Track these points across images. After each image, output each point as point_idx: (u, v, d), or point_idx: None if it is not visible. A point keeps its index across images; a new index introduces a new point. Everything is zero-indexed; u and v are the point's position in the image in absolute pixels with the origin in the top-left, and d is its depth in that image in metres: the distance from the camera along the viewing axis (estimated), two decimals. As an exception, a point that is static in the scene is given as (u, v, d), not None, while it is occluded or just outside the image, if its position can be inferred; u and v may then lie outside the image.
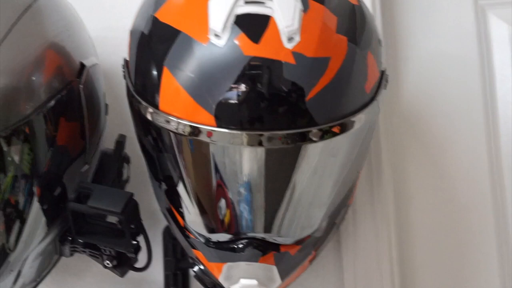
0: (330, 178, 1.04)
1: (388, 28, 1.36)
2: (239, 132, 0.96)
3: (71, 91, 1.11)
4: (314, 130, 0.97)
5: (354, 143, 1.03)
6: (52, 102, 1.08)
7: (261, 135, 0.96)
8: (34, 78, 1.07)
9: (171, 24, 1.00)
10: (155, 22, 1.02)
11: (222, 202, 1.03)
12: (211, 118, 0.96)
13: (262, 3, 0.98)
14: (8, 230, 1.07)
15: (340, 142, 1.01)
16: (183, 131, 0.98)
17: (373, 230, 1.27)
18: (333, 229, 1.12)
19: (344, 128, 0.99)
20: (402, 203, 1.33)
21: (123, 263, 1.15)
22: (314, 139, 0.97)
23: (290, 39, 0.97)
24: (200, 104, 0.96)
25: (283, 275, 1.06)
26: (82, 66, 1.14)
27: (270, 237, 1.04)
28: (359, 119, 1.01)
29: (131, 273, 1.16)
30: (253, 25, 0.97)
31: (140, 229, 1.12)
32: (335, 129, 0.98)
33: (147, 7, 1.05)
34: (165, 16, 1.02)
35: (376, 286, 1.26)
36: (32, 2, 1.12)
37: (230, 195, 1.02)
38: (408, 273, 1.32)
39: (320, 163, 1.01)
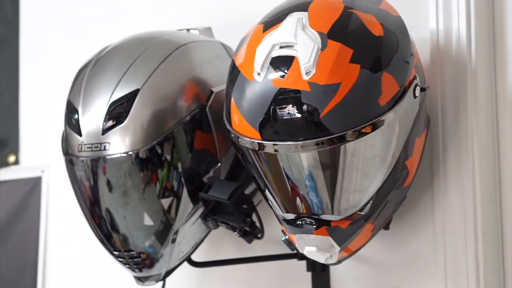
0: (362, 169, 1.38)
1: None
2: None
3: (202, 111, 1.57)
4: (350, 132, 1.32)
5: (376, 142, 1.36)
6: (188, 118, 1.54)
7: (302, 143, 1.33)
8: (177, 102, 1.55)
9: (237, 65, 1.41)
10: (232, 63, 1.43)
11: (286, 192, 1.42)
12: (257, 134, 1.35)
13: (291, 46, 1.35)
14: (170, 207, 1.57)
15: (369, 140, 1.34)
16: (254, 147, 1.37)
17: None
18: (387, 206, 1.45)
19: (360, 134, 1.32)
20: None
21: (248, 234, 1.58)
22: (349, 139, 1.33)
23: (307, 72, 1.32)
24: (251, 125, 1.36)
25: (340, 243, 1.43)
26: (211, 92, 1.58)
27: (320, 216, 1.40)
28: (375, 125, 1.33)
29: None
30: (282, 64, 1.34)
31: (251, 210, 1.54)
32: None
33: (234, 52, 1.46)
34: (236, 60, 1.42)
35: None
36: (179, 46, 1.59)
37: (290, 186, 1.40)
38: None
39: (351, 158, 1.36)
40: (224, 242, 1.79)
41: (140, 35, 1.65)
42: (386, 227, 1.55)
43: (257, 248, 1.73)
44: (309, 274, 1.71)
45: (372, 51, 1.36)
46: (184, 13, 1.95)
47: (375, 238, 1.61)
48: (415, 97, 1.40)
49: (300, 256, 1.67)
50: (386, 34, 1.38)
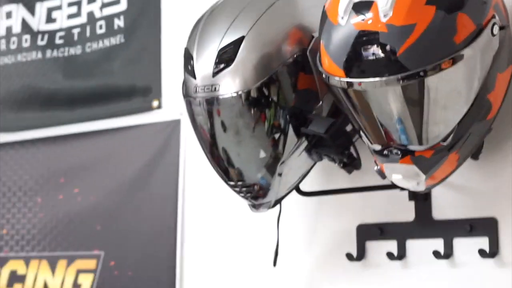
0: (443, 103, 1.49)
1: None
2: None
3: (303, 54, 1.71)
4: (430, 67, 1.44)
5: (453, 77, 1.47)
6: (291, 60, 1.70)
7: (386, 79, 1.46)
8: (281, 47, 1.71)
9: (325, 10, 1.55)
10: (323, 9, 1.57)
11: (372, 125, 1.55)
12: (343, 74, 1.49)
13: (371, -8, 1.47)
14: (277, 143, 1.74)
15: (445, 76, 1.46)
16: (343, 85, 1.51)
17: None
18: (470, 137, 1.56)
19: (441, 68, 1.44)
20: None
21: (347, 165, 1.73)
22: (430, 74, 1.45)
23: (385, 15, 1.45)
24: (337, 65, 1.50)
25: (425, 171, 1.55)
26: (312, 37, 1.72)
27: (405, 146, 1.53)
28: (455, 60, 1.45)
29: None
30: (362, 8, 1.47)
31: (349, 143, 1.69)
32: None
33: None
34: (326, 5, 1.56)
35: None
36: None
37: (376, 119, 1.54)
38: None
39: (432, 92, 1.48)
40: (337, 174, 1.94)
41: (250, -13, 1.81)
42: (475, 157, 1.66)
43: (366, 179, 1.87)
44: (412, 203, 1.84)
45: None
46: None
47: (472, 168, 1.74)
48: (493, 35, 1.50)
49: (402, 187, 1.80)
50: None
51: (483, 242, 1.73)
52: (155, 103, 2.40)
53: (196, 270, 2.25)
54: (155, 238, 2.34)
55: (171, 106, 2.36)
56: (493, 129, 1.62)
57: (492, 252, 1.72)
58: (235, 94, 1.69)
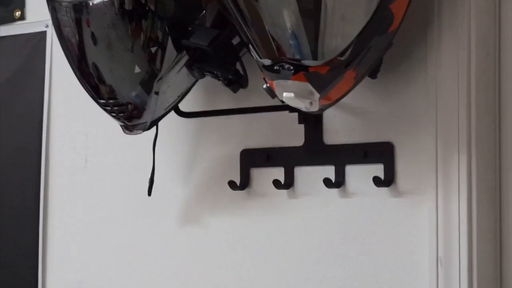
0: (341, 11, 1.34)
1: None
2: None
3: None
4: None
5: None
6: None
7: None
8: None
9: None
10: None
11: (262, 35, 1.38)
12: None
13: None
14: (155, 57, 1.56)
15: None
16: None
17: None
18: (370, 52, 1.40)
19: None
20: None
21: (233, 83, 1.56)
22: None
23: None
24: None
25: (320, 89, 1.40)
26: None
27: (298, 61, 1.37)
28: None
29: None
30: None
31: (235, 58, 1.52)
32: None
33: None
34: None
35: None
36: None
37: (268, 31, 1.37)
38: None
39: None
40: (221, 94, 1.77)
41: None
42: (373, 76, 1.51)
43: (253, 100, 1.71)
44: (302, 126, 1.69)
45: None
46: None
47: (367, 89, 1.60)
48: None
49: (291, 108, 1.65)
50: None
51: (378, 169, 1.60)
52: (17, 13, 2.18)
53: (63, 195, 2.06)
54: (18, 161, 2.15)
55: (35, 17, 2.14)
56: (394, 45, 1.47)
57: (388, 180, 1.59)
58: (106, 0, 1.49)
